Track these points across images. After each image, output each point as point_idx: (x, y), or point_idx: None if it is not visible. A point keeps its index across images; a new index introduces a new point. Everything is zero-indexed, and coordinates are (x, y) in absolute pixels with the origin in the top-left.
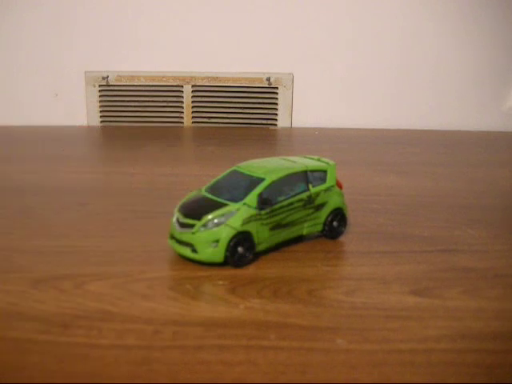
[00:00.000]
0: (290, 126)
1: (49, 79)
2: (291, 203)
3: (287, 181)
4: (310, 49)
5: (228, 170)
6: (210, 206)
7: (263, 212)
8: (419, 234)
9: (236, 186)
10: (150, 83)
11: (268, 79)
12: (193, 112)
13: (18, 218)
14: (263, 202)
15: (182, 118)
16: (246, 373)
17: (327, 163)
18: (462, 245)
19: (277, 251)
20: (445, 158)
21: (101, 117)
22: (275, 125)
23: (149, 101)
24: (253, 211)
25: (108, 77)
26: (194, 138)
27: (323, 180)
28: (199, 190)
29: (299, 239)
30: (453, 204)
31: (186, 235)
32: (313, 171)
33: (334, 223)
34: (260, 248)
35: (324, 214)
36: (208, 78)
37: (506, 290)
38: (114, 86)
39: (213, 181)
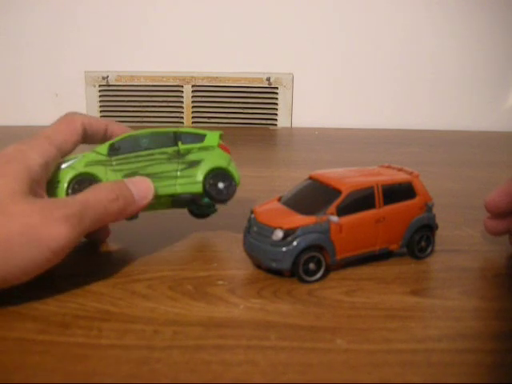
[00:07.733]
0: (290, 126)
1: (49, 79)
2: (151, 154)
3: (152, 137)
4: (310, 49)
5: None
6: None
7: (114, 158)
8: None
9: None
10: (150, 83)
11: (268, 79)
12: (193, 112)
13: None
14: (113, 149)
15: (182, 118)
16: (246, 373)
17: (211, 132)
18: (462, 245)
19: None
20: (444, 157)
21: (101, 117)
22: (275, 125)
23: (149, 101)
24: (101, 157)
25: (108, 77)
26: None
27: (200, 140)
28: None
29: (184, 202)
30: (452, 204)
31: None
32: (187, 133)
33: (220, 184)
34: None
35: (200, 172)
36: (208, 77)
37: (506, 289)
38: (114, 85)
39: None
